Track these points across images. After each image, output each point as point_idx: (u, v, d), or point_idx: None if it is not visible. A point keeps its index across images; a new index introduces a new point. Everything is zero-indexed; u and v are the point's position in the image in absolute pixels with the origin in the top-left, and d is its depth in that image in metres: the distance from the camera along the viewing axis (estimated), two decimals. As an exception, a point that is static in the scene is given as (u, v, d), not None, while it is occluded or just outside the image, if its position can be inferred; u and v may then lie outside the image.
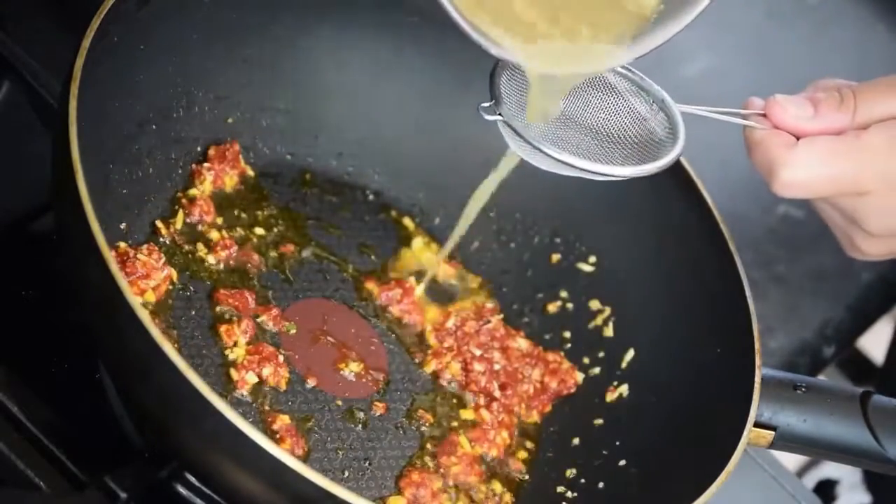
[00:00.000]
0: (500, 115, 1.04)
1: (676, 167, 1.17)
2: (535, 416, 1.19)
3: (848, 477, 1.88)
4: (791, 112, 1.03)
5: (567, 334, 1.24)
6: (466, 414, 1.16)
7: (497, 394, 1.17)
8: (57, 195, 0.99)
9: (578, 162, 1.03)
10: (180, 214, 1.15)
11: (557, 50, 1.00)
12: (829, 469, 1.90)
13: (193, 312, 1.11)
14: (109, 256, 0.92)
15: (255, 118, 1.22)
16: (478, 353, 1.18)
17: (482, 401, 1.17)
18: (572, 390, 1.20)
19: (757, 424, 1.08)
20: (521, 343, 1.21)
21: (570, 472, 1.17)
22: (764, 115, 1.04)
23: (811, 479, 1.90)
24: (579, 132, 1.07)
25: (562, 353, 1.22)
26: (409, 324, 1.20)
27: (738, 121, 1.05)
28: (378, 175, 1.27)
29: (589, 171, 1.03)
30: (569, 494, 1.15)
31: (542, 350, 1.21)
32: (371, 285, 1.21)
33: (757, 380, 1.08)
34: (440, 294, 1.24)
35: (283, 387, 1.11)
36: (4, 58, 1.15)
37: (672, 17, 0.99)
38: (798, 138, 1.03)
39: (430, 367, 1.18)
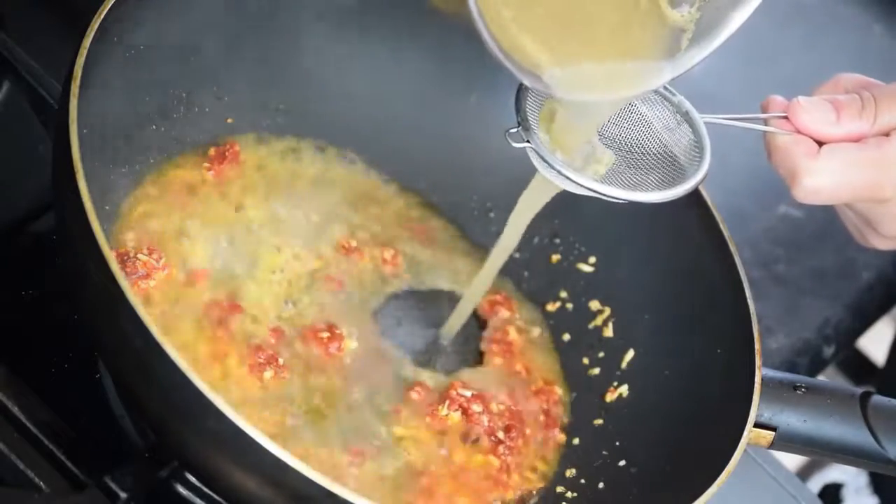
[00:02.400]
0: (528, 141, 1.04)
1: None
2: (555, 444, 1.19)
3: (853, 480, 1.88)
4: (814, 117, 1.03)
5: (567, 335, 1.24)
6: (476, 458, 1.15)
7: (501, 435, 1.16)
8: (57, 195, 0.99)
9: (610, 191, 1.03)
10: (180, 214, 1.16)
11: (590, 74, 1.00)
12: (835, 472, 1.90)
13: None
14: (110, 256, 0.92)
15: (255, 118, 1.22)
16: (468, 394, 1.16)
17: (487, 442, 1.15)
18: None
19: (757, 425, 1.08)
20: (513, 335, 1.21)
21: (570, 472, 1.17)
22: (785, 118, 1.04)
23: (816, 483, 1.90)
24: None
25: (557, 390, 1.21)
26: None
27: (762, 127, 1.05)
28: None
29: (619, 199, 1.04)
30: (569, 494, 1.15)
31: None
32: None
33: (757, 380, 1.08)
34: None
35: (284, 387, 1.11)
36: (4, 58, 1.15)
37: (708, 34, 1.00)
38: (818, 142, 1.04)
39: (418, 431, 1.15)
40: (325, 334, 1.14)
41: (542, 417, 1.18)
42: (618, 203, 1.05)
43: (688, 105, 1.07)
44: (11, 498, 0.98)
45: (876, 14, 1.74)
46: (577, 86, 1.00)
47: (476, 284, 1.18)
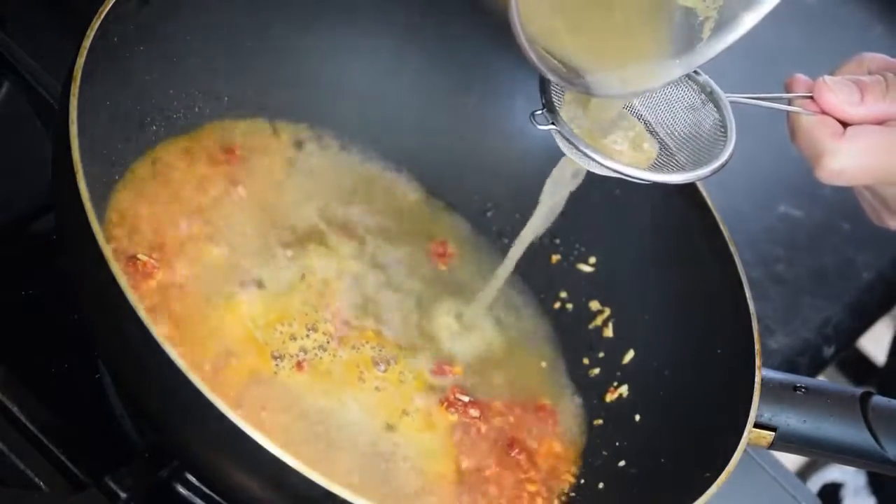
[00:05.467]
0: (553, 124, 1.03)
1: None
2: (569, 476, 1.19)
3: (852, 480, 1.87)
4: (839, 97, 1.03)
5: (567, 335, 1.24)
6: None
7: (490, 463, 1.15)
8: (57, 195, 0.99)
9: (634, 172, 1.03)
10: (180, 214, 1.15)
11: (617, 71, 1.01)
12: (834, 472, 1.89)
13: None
14: (110, 256, 0.92)
15: (255, 118, 1.22)
16: (465, 399, 1.16)
17: (487, 451, 1.15)
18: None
19: (757, 425, 1.08)
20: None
21: (570, 473, 1.16)
22: (810, 98, 1.05)
23: (815, 483, 1.90)
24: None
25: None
26: None
27: (785, 108, 1.05)
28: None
29: (643, 180, 1.03)
30: (568, 494, 1.15)
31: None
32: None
33: (757, 380, 1.08)
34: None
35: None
36: (4, 58, 1.15)
37: (731, 21, 1.00)
38: (843, 124, 1.04)
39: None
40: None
41: (543, 426, 1.18)
42: (642, 185, 1.04)
43: (713, 84, 1.06)
44: (11, 498, 0.98)
45: (877, 14, 1.74)
46: (605, 84, 1.00)
47: (499, 273, 1.19)
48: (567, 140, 1.04)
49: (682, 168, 1.05)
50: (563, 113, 1.04)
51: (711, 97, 1.07)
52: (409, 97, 1.26)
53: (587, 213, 1.23)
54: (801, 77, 1.06)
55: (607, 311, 1.24)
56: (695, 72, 1.06)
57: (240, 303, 1.12)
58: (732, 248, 1.16)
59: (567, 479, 1.16)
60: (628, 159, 1.05)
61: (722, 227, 1.17)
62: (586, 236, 1.26)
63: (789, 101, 1.05)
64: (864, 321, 1.51)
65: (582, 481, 1.16)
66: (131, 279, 1.08)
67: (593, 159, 1.03)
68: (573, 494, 1.15)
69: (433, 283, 1.23)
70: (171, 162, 1.17)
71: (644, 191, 1.16)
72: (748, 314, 1.12)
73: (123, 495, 0.98)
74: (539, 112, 1.04)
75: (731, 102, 1.06)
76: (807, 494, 1.30)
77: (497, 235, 1.28)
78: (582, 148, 1.03)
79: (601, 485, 1.15)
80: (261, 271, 1.16)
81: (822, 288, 1.48)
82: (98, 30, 1.01)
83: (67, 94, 0.97)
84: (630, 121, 1.07)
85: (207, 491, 1.03)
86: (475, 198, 1.28)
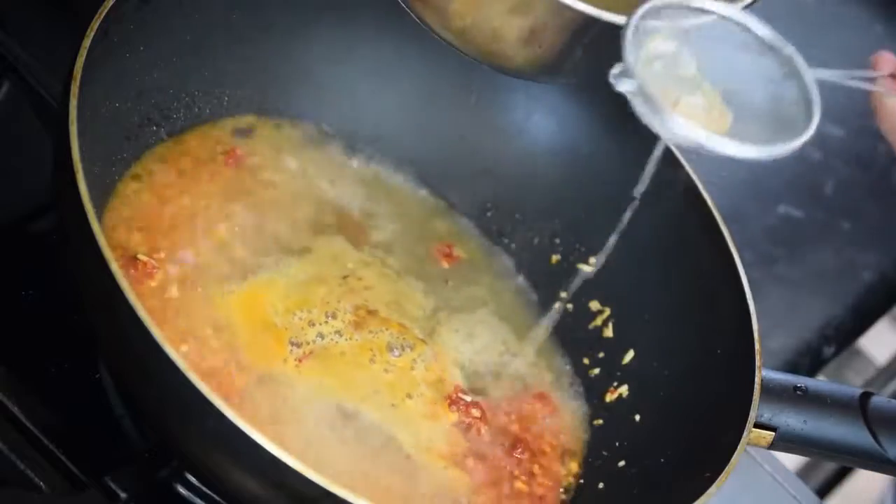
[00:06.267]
0: (635, 80, 0.94)
1: (676, 166, 1.18)
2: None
3: None
4: None
5: (567, 335, 1.24)
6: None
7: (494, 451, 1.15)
8: (57, 195, 0.99)
9: (717, 143, 0.95)
10: (180, 214, 1.16)
11: None
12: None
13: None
14: (110, 256, 0.92)
15: (256, 119, 1.22)
16: (468, 399, 1.16)
17: (488, 451, 1.15)
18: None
19: (757, 425, 1.08)
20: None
21: (570, 473, 1.17)
22: (893, 77, 1.03)
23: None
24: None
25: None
26: None
27: (870, 86, 1.02)
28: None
29: (725, 153, 0.95)
30: (568, 495, 1.15)
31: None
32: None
33: (757, 380, 1.08)
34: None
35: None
36: (4, 58, 1.15)
37: None
38: None
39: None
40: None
41: (543, 427, 1.18)
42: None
43: (798, 58, 1.01)
44: (11, 498, 0.98)
45: (877, 14, 1.75)
46: None
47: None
48: (648, 102, 0.95)
49: (754, 142, 0.97)
50: (640, 73, 0.96)
51: (795, 71, 1.01)
52: (409, 97, 1.27)
53: (587, 213, 1.23)
54: (888, 55, 1.04)
55: (607, 311, 1.24)
56: (781, 42, 1.02)
57: (243, 299, 1.13)
58: (732, 249, 1.16)
59: (567, 479, 1.16)
60: (703, 126, 0.96)
61: (722, 226, 1.17)
62: (586, 236, 1.26)
63: (875, 81, 1.02)
64: (864, 321, 1.51)
65: (582, 481, 1.16)
66: (131, 279, 1.08)
67: (673, 124, 0.95)
68: (573, 494, 1.15)
69: (439, 282, 1.23)
70: (172, 162, 1.17)
71: (644, 191, 1.16)
72: (748, 314, 1.12)
73: (123, 495, 0.98)
74: (618, 71, 0.95)
75: (817, 79, 1.02)
76: (806, 494, 1.30)
77: (497, 235, 1.28)
78: (665, 113, 0.94)
79: (601, 485, 1.15)
80: (262, 269, 1.16)
81: (822, 288, 1.48)
82: (98, 30, 1.01)
83: (67, 94, 0.97)
84: (706, 86, 1.02)
85: (207, 491, 1.03)
86: (475, 198, 1.28)
